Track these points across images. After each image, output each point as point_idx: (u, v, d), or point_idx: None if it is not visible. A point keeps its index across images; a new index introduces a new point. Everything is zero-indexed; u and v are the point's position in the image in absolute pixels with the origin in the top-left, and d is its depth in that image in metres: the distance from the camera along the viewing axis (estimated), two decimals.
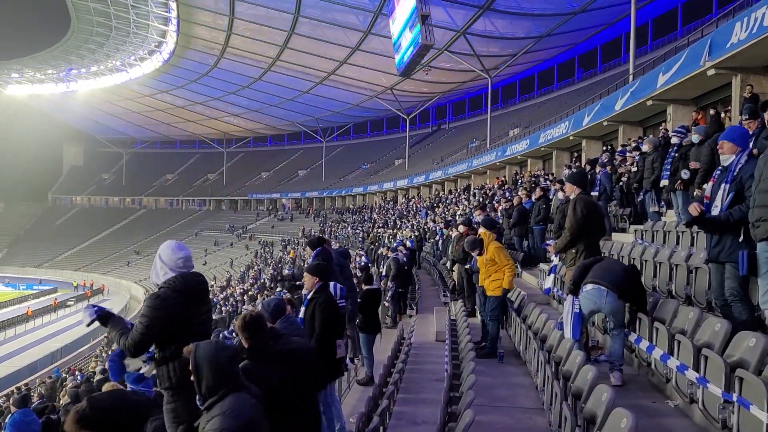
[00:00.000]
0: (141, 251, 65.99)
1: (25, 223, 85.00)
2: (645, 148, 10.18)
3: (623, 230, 10.91)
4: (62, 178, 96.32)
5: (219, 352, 2.99)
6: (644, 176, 9.94)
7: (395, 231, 30.57)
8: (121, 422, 2.62)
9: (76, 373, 21.64)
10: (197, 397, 2.94)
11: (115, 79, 68.08)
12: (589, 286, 5.17)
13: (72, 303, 50.71)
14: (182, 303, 3.64)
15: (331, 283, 6.46)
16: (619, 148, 15.96)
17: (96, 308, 3.95)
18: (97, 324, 3.96)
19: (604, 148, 20.55)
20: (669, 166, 8.92)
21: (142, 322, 3.60)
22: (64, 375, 23.50)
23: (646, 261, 6.77)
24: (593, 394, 3.47)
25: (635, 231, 9.62)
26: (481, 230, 7.90)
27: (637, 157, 11.23)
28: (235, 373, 3.05)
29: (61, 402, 10.38)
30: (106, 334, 35.68)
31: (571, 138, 25.11)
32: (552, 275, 5.98)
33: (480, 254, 7.58)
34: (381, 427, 5.64)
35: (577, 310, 5.08)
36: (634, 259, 7.16)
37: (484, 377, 6.20)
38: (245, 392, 3.01)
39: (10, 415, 8.22)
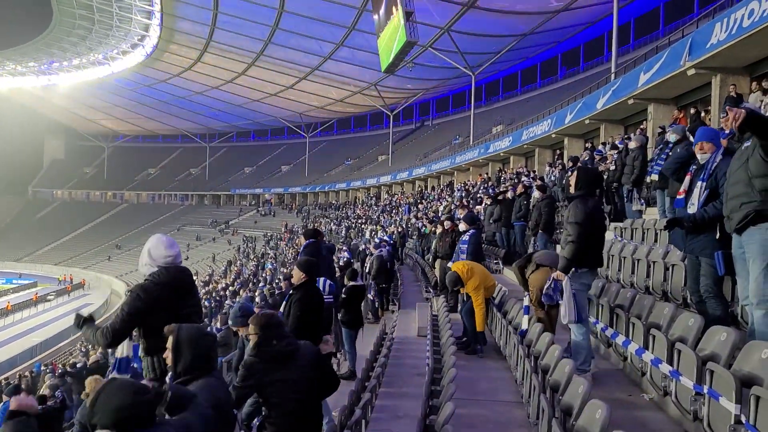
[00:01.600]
0: (122, 246, 65.42)
1: (4, 217, 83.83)
2: (633, 145, 10.31)
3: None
4: (43, 171, 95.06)
5: (201, 337, 3.11)
6: (625, 173, 10.05)
7: (377, 227, 30.64)
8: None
9: (58, 367, 21.43)
10: (170, 375, 3.03)
11: (98, 72, 67.28)
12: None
13: (52, 297, 50.16)
14: (165, 296, 3.68)
15: (321, 279, 6.50)
16: (599, 148, 16.16)
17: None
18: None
19: (586, 145, 20.78)
20: (661, 163, 8.91)
21: (124, 309, 3.65)
22: (44, 368, 23.28)
23: (624, 258, 6.89)
24: (570, 387, 3.56)
25: (615, 228, 9.77)
26: (458, 264, 7.91)
27: (615, 156, 11.39)
28: (212, 359, 3.16)
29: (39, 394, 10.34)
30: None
31: (553, 136, 25.35)
32: (526, 316, 6.06)
33: (462, 287, 7.68)
34: (363, 420, 5.70)
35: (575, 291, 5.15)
36: (612, 256, 7.29)
37: (465, 371, 6.28)
38: (215, 377, 3.14)
39: (2, 403, 8.23)
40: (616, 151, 11.49)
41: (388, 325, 11.13)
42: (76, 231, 76.59)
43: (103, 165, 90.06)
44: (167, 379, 3.19)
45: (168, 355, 3.14)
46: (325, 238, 9.42)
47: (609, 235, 9.50)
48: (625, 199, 10.25)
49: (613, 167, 11.26)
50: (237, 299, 24.47)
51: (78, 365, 18.74)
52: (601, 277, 6.97)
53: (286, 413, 3.72)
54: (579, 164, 13.45)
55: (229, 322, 5.62)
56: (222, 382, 3.25)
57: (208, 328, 14.23)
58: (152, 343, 3.71)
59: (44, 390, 10.92)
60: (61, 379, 14.77)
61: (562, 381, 3.75)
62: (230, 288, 32.91)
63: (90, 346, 27.20)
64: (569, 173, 6.54)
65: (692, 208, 4.53)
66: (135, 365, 4.72)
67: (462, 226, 9.75)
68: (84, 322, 3.94)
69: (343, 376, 8.43)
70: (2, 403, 8.23)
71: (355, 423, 5.26)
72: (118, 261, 61.37)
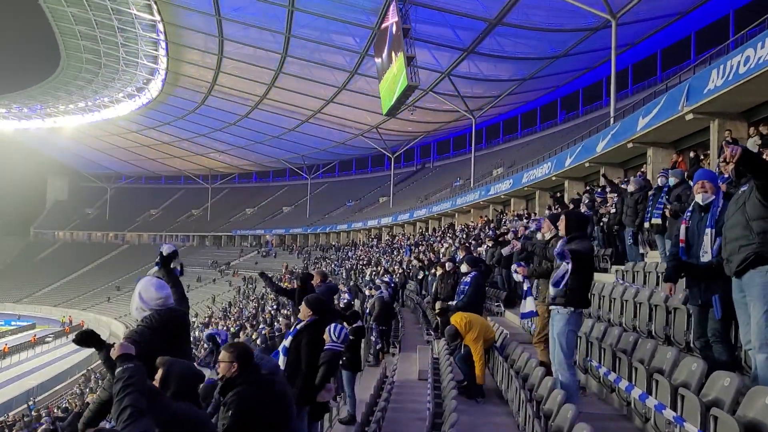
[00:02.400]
0: (122, 287, 65.14)
1: (5, 258, 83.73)
2: (630, 188, 10.38)
3: (605, 270, 11.04)
4: (45, 212, 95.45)
5: (190, 375, 3.16)
6: (628, 215, 10.07)
7: (378, 268, 30.56)
8: None
9: (55, 410, 21.11)
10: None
11: (103, 114, 68.24)
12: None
13: (51, 339, 49.75)
14: (156, 340, 3.68)
15: (333, 325, 6.44)
16: (598, 191, 16.25)
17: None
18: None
19: (586, 188, 20.89)
20: (661, 207, 8.98)
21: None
22: (36, 412, 22.92)
23: (626, 301, 6.86)
24: None
25: (616, 271, 9.75)
26: (456, 317, 7.90)
27: (615, 199, 11.44)
28: (195, 397, 3.24)
29: None
30: (84, 373, 34.94)
31: (553, 178, 25.52)
32: (530, 297, 5.96)
33: (462, 340, 7.66)
34: None
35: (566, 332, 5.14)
36: (614, 299, 7.26)
37: (467, 416, 6.19)
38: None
39: None
40: (616, 195, 11.55)
41: (388, 368, 11.00)
42: (77, 272, 76.39)
43: (105, 206, 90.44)
44: None
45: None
46: (327, 279, 9.37)
47: (610, 278, 9.49)
48: (627, 241, 10.26)
49: (613, 210, 11.30)
50: (236, 340, 24.21)
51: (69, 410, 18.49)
52: (603, 321, 6.93)
53: None
54: (560, 209, 13.50)
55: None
56: (202, 412, 3.27)
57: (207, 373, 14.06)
58: None
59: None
60: (53, 425, 14.56)
61: (565, 426, 3.70)
62: (231, 330, 32.62)
63: (86, 389, 26.84)
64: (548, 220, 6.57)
65: (706, 257, 4.48)
66: None
67: (464, 268, 9.74)
68: (91, 342, 3.88)
69: (343, 420, 8.32)
70: None
71: None
72: (117, 302, 61.00)
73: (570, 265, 4.86)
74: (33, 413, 23.30)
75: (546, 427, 4.09)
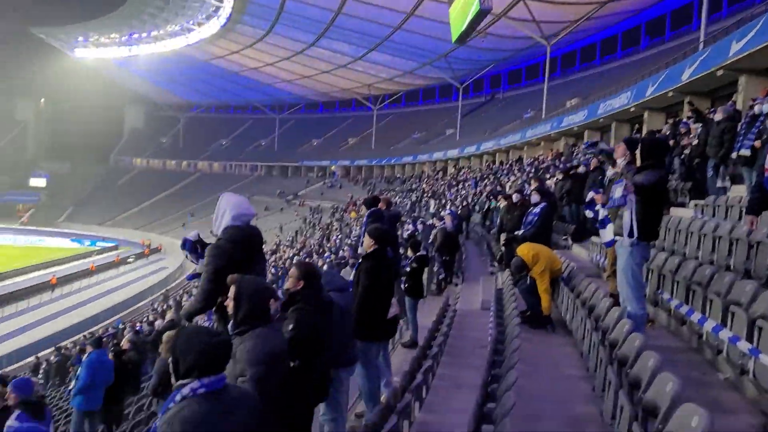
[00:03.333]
0: (196, 213, 67.86)
1: (89, 183, 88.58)
2: (717, 117, 9.74)
3: (682, 205, 10.56)
4: (123, 140, 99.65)
5: (260, 290, 3.23)
6: (712, 146, 9.50)
7: (444, 201, 30.46)
8: None
9: (137, 325, 22.65)
10: (230, 323, 3.16)
11: (174, 43, 69.36)
12: None
13: (132, 260, 52.87)
14: (238, 254, 3.78)
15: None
16: (684, 120, 15.35)
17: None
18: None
19: (668, 121, 19.81)
20: (753, 137, 8.36)
21: (207, 270, 3.77)
22: (123, 326, 24.66)
23: (704, 235, 6.56)
24: (640, 360, 3.43)
25: (695, 205, 9.31)
26: (523, 248, 7.72)
27: (699, 130, 10.79)
28: (268, 311, 3.32)
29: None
30: (162, 292, 37.12)
31: (632, 109, 24.26)
32: (610, 224, 5.71)
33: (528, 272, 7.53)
34: (424, 386, 5.73)
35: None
36: (692, 233, 6.95)
37: (529, 344, 6.18)
38: (271, 327, 3.31)
39: (86, 354, 8.76)
40: (701, 125, 10.87)
41: (450, 298, 11.11)
42: (154, 198, 79.98)
43: (178, 135, 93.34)
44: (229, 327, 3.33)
45: (229, 304, 3.29)
46: (391, 207, 9.37)
47: (688, 213, 9.08)
48: (708, 174, 9.72)
49: (696, 142, 10.68)
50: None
51: (156, 322, 19.78)
52: (678, 254, 6.68)
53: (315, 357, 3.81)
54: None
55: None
56: (277, 333, 3.36)
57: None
58: (222, 301, 3.82)
59: (124, 344, 11.56)
60: (138, 336, 15.62)
61: (631, 354, 3.62)
62: (296, 257, 33.65)
63: (165, 307, 28.55)
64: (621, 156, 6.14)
65: None
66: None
67: (534, 198, 9.55)
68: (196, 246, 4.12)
69: (405, 344, 8.50)
70: (87, 355, 8.74)
71: (416, 387, 5.29)
72: (192, 228, 63.05)
73: (633, 205, 4.72)
74: (120, 326, 25.11)
75: (611, 355, 4.02)
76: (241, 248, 3.79)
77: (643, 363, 3.33)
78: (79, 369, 8.76)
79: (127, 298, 37.34)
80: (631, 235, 4.94)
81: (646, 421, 2.99)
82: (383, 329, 5.77)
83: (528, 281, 7.37)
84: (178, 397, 2.44)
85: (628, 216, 4.92)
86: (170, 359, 2.56)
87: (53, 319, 32.64)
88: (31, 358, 23.11)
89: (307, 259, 30.37)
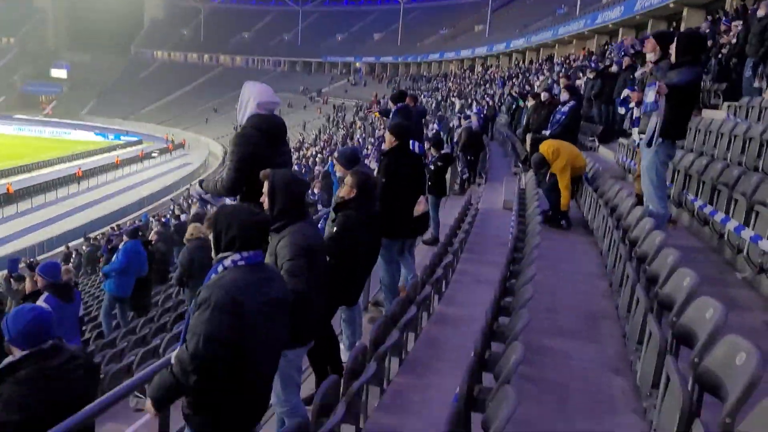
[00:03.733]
0: (219, 109, 67.59)
1: (110, 75, 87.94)
2: (760, 12, 9.21)
3: (715, 106, 10.25)
4: (144, 30, 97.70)
5: (293, 182, 3.27)
6: (752, 44, 9.07)
7: (469, 100, 29.86)
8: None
9: (162, 218, 23.26)
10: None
11: None
12: None
13: (156, 155, 53.38)
14: (264, 142, 3.79)
15: (411, 142, 6.47)
16: (724, 19, 14.56)
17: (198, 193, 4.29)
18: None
19: (707, 18, 18.80)
20: None
21: (232, 159, 3.81)
22: (150, 219, 25.35)
23: (735, 136, 6.42)
24: (659, 257, 3.48)
25: (728, 107, 9.03)
26: (544, 144, 7.54)
27: (740, 28, 10.25)
28: (304, 205, 3.40)
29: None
30: (187, 187, 37.77)
31: (671, 5, 23.02)
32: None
33: (548, 168, 7.40)
34: (444, 280, 5.91)
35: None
36: (722, 134, 6.80)
37: (549, 242, 6.28)
38: (308, 221, 3.38)
39: (122, 243, 9.07)
40: (741, 23, 10.31)
41: (473, 198, 11.17)
42: (176, 93, 79.49)
43: (199, 27, 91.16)
44: None
45: (264, 200, 3.33)
46: (417, 102, 9.23)
47: (721, 114, 8.83)
48: (746, 74, 9.34)
49: (734, 40, 10.17)
50: (325, 167, 25.04)
51: (181, 216, 20.29)
52: (706, 155, 6.58)
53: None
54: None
55: (335, 157, 5.77)
56: (315, 228, 3.44)
57: None
58: (248, 191, 3.88)
59: (152, 236, 11.95)
60: (165, 228, 16.09)
61: (651, 251, 3.68)
62: (319, 155, 33.69)
63: (190, 202, 29.16)
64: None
65: None
66: None
67: (563, 96, 9.34)
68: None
69: (426, 241, 8.65)
70: (123, 243, 9.04)
71: (436, 281, 5.46)
72: (215, 124, 63.68)
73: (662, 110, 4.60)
74: (146, 219, 25.84)
75: (631, 252, 4.09)
76: (266, 137, 3.80)
77: (662, 260, 3.39)
78: (114, 255, 9.12)
79: (153, 193, 38.07)
80: (650, 144, 4.85)
81: (660, 315, 3.09)
82: (407, 226, 5.84)
83: (549, 180, 7.34)
84: (219, 268, 2.60)
85: (654, 119, 4.80)
86: (211, 234, 2.70)
87: (82, 211, 33.59)
88: (62, 248, 23.96)
89: (329, 158, 30.44)
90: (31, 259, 18.60)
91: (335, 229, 4.07)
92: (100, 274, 11.86)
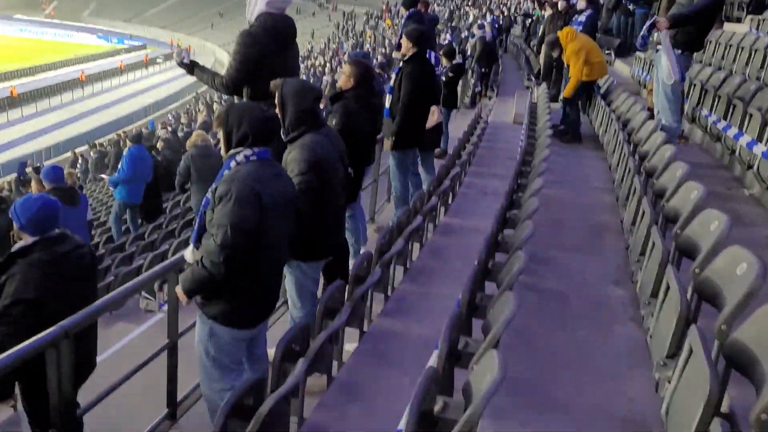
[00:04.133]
0: (225, 14, 65.50)
1: None
2: None
3: (738, 20, 9.84)
4: None
5: (304, 90, 3.19)
6: None
7: (484, 11, 28.79)
8: None
9: (168, 126, 23.10)
10: (281, 130, 3.16)
11: None
12: None
13: (161, 61, 52.23)
14: (271, 43, 3.67)
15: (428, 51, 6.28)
16: None
17: (187, 54, 4.13)
18: (184, 71, 4.13)
19: None
20: None
21: (236, 58, 3.70)
22: (156, 126, 25.19)
23: (755, 50, 6.20)
24: (667, 171, 3.45)
25: (751, 20, 8.68)
26: (562, 30, 7.26)
27: None
28: (316, 113, 3.27)
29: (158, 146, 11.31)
30: (193, 95, 37.27)
31: None
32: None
33: (561, 53, 7.16)
34: (451, 193, 5.92)
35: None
36: (742, 48, 6.57)
37: (559, 157, 6.22)
38: (322, 132, 3.27)
39: (126, 148, 9.01)
40: None
41: (483, 111, 11.01)
42: None
43: None
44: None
45: (277, 111, 3.25)
46: (429, 8, 8.89)
47: (744, 28, 8.51)
48: None
49: None
50: (335, 76, 24.55)
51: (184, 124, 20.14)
52: (724, 70, 6.39)
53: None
54: None
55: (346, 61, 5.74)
56: (329, 139, 3.34)
57: None
58: (255, 93, 3.80)
59: (158, 143, 11.91)
60: (173, 135, 16.03)
61: (660, 165, 3.64)
62: (327, 65, 32.96)
63: (196, 110, 28.87)
64: None
65: None
66: None
67: (580, 4, 8.99)
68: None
69: (436, 154, 8.59)
70: (127, 149, 8.99)
71: (443, 192, 5.47)
72: (220, 30, 61.86)
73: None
74: (153, 127, 25.68)
75: (640, 166, 4.05)
76: (274, 38, 3.68)
77: (671, 173, 3.36)
78: (120, 162, 9.09)
79: (159, 100, 37.64)
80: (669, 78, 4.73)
81: (665, 229, 3.09)
82: (422, 137, 5.79)
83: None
84: (232, 164, 2.66)
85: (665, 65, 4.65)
86: (221, 132, 2.73)
87: (87, 117, 33.39)
88: (68, 154, 23.96)
89: (337, 68, 29.78)
90: (38, 164, 18.65)
91: (334, 122, 3.97)
92: (106, 180, 11.90)
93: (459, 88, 10.71)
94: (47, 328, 2.46)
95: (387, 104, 5.36)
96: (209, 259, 2.55)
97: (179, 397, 3.36)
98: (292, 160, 3.12)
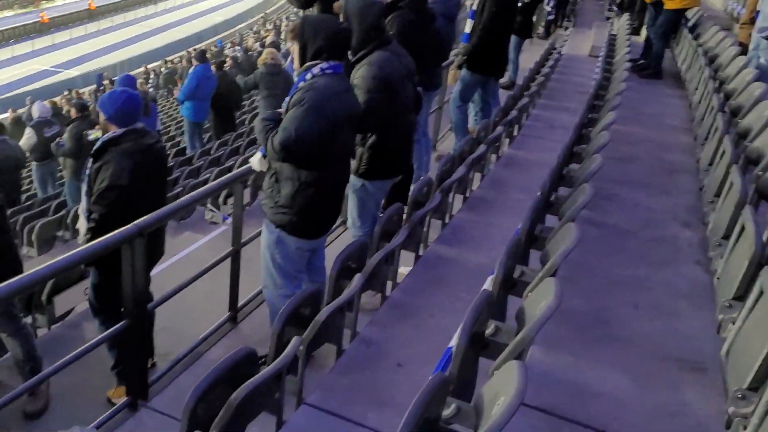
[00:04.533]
0: None
1: None
2: None
3: None
4: None
5: (367, 6, 3.10)
6: None
7: None
8: None
9: (236, 46, 23.18)
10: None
11: None
12: None
13: None
14: None
15: None
16: None
17: None
18: None
19: None
20: None
21: None
22: (226, 44, 25.33)
23: None
24: (755, 110, 3.23)
25: None
26: None
27: None
28: (382, 29, 3.19)
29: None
30: (262, 15, 37.10)
31: None
32: None
33: None
34: (517, 124, 5.75)
35: None
36: None
37: (635, 93, 5.93)
38: (390, 50, 3.21)
39: (192, 67, 9.12)
40: None
41: (557, 42, 10.52)
42: None
43: None
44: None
45: None
46: None
47: None
48: None
49: None
50: None
51: (255, 45, 20.15)
52: None
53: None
54: None
55: None
56: (398, 56, 3.27)
57: None
58: (322, 5, 3.74)
59: (228, 62, 11.97)
60: (243, 54, 16.12)
61: (747, 104, 3.41)
62: None
63: (264, 30, 28.76)
64: None
65: None
66: None
67: None
68: None
69: (503, 84, 8.32)
70: (192, 68, 9.08)
71: (509, 123, 5.32)
72: None
73: None
74: (221, 45, 25.82)
75: (724, 104, 3.80)
76: None
77: (759, 113, 3.14)
78: (185, 79, 9.21)
79: (228, 18, 37.68)
80: None
81: (745, 169, 2.93)
82: (495, 67, 5.61)
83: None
84: (308, 76, 2.66)
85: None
86: (296, 45, 2.72)
87: (159, 33, 33.86)
88: (141, 69, 24.55)
89: None
90: (113, 77, 19.18)
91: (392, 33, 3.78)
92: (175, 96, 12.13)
93: (534, 17, 10.22)
94: (132, 213, 2.69)
95: (467, 29, 5.21)
96: (271, 146, 2.63)
97: (240, 302, 3.51)
98: (360, 77, 3.07)
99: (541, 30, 12.31)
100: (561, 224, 2.78)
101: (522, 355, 1.80)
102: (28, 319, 3.98)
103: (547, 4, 12.06)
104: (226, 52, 20.22)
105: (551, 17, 12.32)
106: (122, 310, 2.71)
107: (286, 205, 2.73)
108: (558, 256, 2.18)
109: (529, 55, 9.10)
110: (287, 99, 2.70)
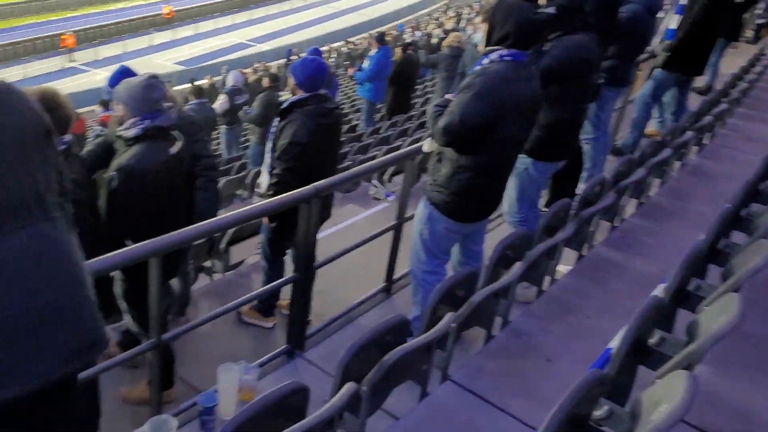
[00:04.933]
0: None
1: None
2: None
3: None
4: None
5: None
6: None
7: None
8: None
9: (416, 31, 23.56)
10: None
11: None
12: None
13: None
14: None
15: None
16: None
17: None
18: None
19: None
20: None
21: None
22: (406, 29, 25.85)
23: None
24: None
25: None
26: None
27: None
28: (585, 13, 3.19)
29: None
30: (446, 2, 37.26)
31: None
32: None
33: None
34: (709, 132, 5.28)
35: None
36: None
37: None
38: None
39: (374, 50, 9.45)
40: None
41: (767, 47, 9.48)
42: None
43: None
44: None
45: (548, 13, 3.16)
46: None
47: None
48: None
49: None
50: None
51: (435, 31, 20.37)
52: None
53: None
54: None
55: None
56: (590, 40, 3.20)
57: None
58: None
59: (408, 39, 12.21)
60: (424, 39, 16.41)
61: None
62: None
63: (444, 18, 28.92)
64: None
65: None
66: None
67: None
68: None
69: (699, 89, 7.67)
70: (374, 51, 9.35)
71: (699, 129, 4.90)
72: None
73: None
74: (401, 30, 26.40)
75: None
76: None
77: None
78: (366, 61, 9.55)
79: (413, 3, 38.41)
80: None
81: None
82: (696, 68, 5.28)
83: None
84: (485, 61, 2.64)
85: None
86: (485, 26, 2.70)
87: (345, 15, 35.46)
88: (325, 47, 25.87)
89: None
90: (300, 54, 20.45)
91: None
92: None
93: (746, 17, 9.26)
94: (308, 170, 3.07)
95: (672, 25, 4.92)
96: (435, 128, 2.65)
97: (395, 276, 3.63)
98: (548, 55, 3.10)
99: (749, 33, 11.15)
100: (751, 240, 2.53)
101: (690, 369, 1.68)
102: (208, 263, 4.45)
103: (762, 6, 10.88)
104: (405, 36, 20.66)
105: (762, 20, 11.10)
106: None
107: (442, 185, 2.75)
108: (744, 273, 2.00)
109: (730, 59, 8.28)
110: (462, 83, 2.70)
